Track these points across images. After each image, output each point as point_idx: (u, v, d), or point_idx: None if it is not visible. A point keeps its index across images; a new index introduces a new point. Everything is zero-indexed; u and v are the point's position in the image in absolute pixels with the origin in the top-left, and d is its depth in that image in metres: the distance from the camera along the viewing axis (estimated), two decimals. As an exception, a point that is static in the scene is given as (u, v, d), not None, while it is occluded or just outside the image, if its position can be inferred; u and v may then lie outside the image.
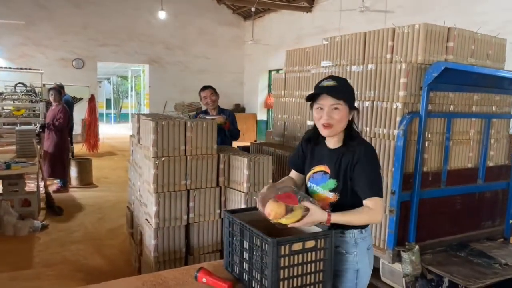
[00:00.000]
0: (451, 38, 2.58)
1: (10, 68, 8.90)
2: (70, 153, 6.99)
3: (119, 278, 1.91)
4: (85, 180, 6.76)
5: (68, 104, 7.92)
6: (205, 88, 4.05)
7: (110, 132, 15.41)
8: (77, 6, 11.71)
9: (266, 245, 1.64)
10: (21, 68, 8.72)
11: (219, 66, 14.31)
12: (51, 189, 5.84)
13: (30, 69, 8.73)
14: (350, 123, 1.78)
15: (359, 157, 1.71)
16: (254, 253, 1.74)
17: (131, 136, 3.84)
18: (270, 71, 14.02)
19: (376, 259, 2.85)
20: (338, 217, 1.67)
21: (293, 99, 3.82)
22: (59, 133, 6.02)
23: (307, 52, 3.70)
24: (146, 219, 2.91)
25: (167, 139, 2.72)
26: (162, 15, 10.18)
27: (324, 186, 1.82)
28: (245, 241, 1.81)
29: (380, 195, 1.70)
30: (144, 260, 3.08)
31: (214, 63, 14.20)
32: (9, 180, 4.58)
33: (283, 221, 1.63)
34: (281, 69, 12.83)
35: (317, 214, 1.63)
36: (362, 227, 1.81)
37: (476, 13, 6.57)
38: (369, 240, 1.86)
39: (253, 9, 10.78)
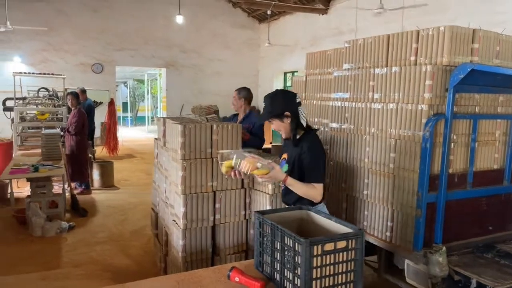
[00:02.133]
0: (476, 40, 2.58)
1: (33, 73, 9.14)
2: (90, 156, 7.15)
3: (150, 278, 1.97)
4: (107, 182, 6.91)
5: (90, 108, 8.12)
6: (236, 90, 4.13)
7: (128, 135, 15.63)
8: (95, 11, 11.96)
9: (299, 245, 1.67)
10: (44, 73, 8.95)
11: (233, 69, 14.41)
12: (75, 191, 5.99)
13: (53, 74, 8.95)
14: (296, 123, 2.25)
15: (304, 151, 2.24)
16: (286, 253, 1.78)
17: (156, 139, 3.93)
18: (285, 73, 14.07)
19: (401, 260, 2.87)
20: (292, 181, 2.16)
21: (314, 101, 3.84)
22: (76, 137, 6.17)
23: (328, 55, 3.72)
24: (173, 220, 2.98)
25: (194, 142, 2.79)
26: (179, 19, 10.32)
27: (283, 169, 2.30)
28: (276, 241, 1.85)
29: (319, 181, 2.22)
30: (170, 260, 3.15)
31: (228, 65, 14.31)
32: (37, 183, 4.72)
33: (255, 172, 2.05)
34: (296, 71, 12.87)
35: (279, 173, 2.11)
36: (310, 203, 2.23)
37: (495, 12, 6.49)
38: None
39: (269, 12, 10.85)
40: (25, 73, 8.93)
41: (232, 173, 2.18)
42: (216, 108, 10.18)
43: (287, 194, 2.35)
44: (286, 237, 1.78)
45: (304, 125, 2.29)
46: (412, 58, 2.66)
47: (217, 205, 2.88)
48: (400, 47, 2.74)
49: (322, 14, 11.11)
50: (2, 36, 10.69)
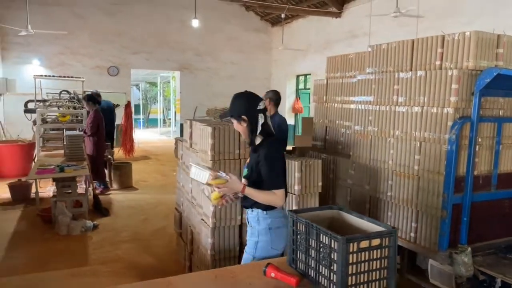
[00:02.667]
0: (500, 45, 2.64)
1: (53, 76, 9.34)
2: (109, 157, 7.30)
3: (189, 273, 2.06)
4: (126, 183, 7.05)
5: (110, 110, 8.29)
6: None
7: (141, 137, 15.82)
8: (111, 15, 12.17)
9: (335, 242, 1.75)
10: (64, 76, 9.15)
11: (246, 72, 14.54)
12: (96, 191, 6.13)
13: (72, 77, 9.14)
14: (252, 128, 2.21)
15: (260, 158, 2.21)
16: (321, 250, 1.86)
17: (179, 140, 4.04)
18: (297, 76, 14.14)
19: (424, 261, 2.92)
20: (250, 191, 2.18)
21: (335, 105, 3.92)
22: (92, 138, 6.32)
23: (349, 58, 3.80)
24: (201, 219, 3.07)
25: (224, 143, 2.88)
26: (195, 23, 10.47)
27: (244, 172, 2.37)
28: (311, 239, 1.93)
29: (279, 187, 2.20)
30: (197, 258, 3.24)
31: (241, 68, 14.44)
32: (63, 183, 4.86)
33: (213, 182, 2.14)
34: (309, 74, 12.95)
35: (236, 183, 2.16)
36: (266, 208, 2.26)
37: (510, 15, 6.50)
38: (274, 222, 2.30)
39: (282, 15, 10.94)
40: (46, 76, 9.15)
41: (224, 201, 2.31)
42: (230, 110, 10.35)
43: (245, 199, 2.30)
44: (321, 235, 1.85)
45: (264, 132, 2.23)
46: (438, 63, 2.72)
47: (244, 205, 2.97)
48: (425, 51, 2.81)
49: (336, 18, 11.17)
50: (22, 40, 10.95)
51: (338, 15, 11.10)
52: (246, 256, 2.39)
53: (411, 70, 2.91)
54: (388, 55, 3.13)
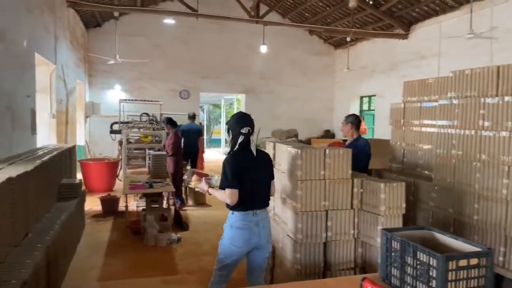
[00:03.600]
0: None
1: (135, 100, 10.26)
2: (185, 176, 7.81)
3: (289, 282, 2.27)
4: (200, 200, 7.48)
5: (197, 132, 8.83)
6: (345, 117, 4.39)
7: (206, 156, 16.51)
8: (184, 43, 13.13)
9: (434, 260, 1.87)
10: (145, 100, 10.01)
11: (309, 94, 14.80)
12: (172, 206, 6.60)
13: (151, 100, 9.97)
14: (233, 142, 2.92)
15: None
16: (419, 267, 1.98)
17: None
18: (361, 97, 14.11)
19: (511, 285, 2.87)
20: (212, 191, 3.06)
21: (414, 128, 3.99)
22: (172, 158, 6.84)
23: (428, 83, 3.88)
24: (287, 235, 3.28)
25: (310, 164, 3.10)
26: (263, 49, 10.98)
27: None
28: (407, 256, 2.06)
29: (227, 187, 2.79)
30: (281, 272, 3.44)
31: (304, 90, 14.73)
32: (152, 197, 5.34)
33: (193, 183, 3.21)
34: (374, 95, 12.89)
35: (203, 185, 3.15)
36: (232, 208, 2.87)
37: None
38: (236, 222, 2.85)
39: (348, 39, 11.10)
40: (129, 100, 10.05)
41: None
42: (295, 132, 10.62)
43: None
44: (419, 252, 1.98)
45: (240, 147, 2.85)
46: (526, 88, 2.75)
47: (328, 223, 3.14)
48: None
49: (403, 39, 11.11)
50: (108, 68, 12.15)
51: (405, 36, 11.05)
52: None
53: (497, 95, 2.95)
54: (472, 80, 3.18)
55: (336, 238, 3.17)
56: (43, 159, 4.32)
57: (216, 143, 24.26)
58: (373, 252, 3.15)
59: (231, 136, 2.93)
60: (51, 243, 3.43)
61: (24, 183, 3.45)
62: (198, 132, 8.89)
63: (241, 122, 2.90)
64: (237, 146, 2.85)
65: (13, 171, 3.47)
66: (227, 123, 3.12)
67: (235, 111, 20.29)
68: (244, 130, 2.83)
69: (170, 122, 7.20)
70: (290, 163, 3.24)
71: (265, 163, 3.02)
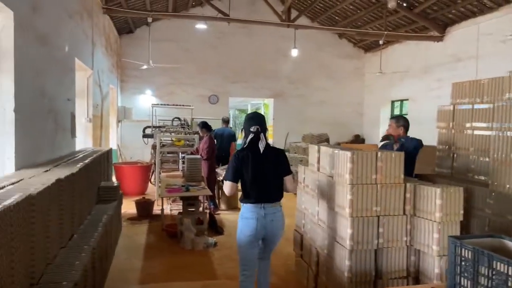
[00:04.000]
0: None
1: (167, 104, 10.35)
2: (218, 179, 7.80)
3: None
4: (232, 204, 7.44)
5: (230, 136, 8.86)
6: (392, 119, 4.30)
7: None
8: (214, 48, 13.21)
9: (514, 269, 1.73)
10: (177, 105, 10.09)
11: (338, 98, 14.58)
12: (207, 210, 6.57)
13: (183, 105, 10.04)
14: (244, 139, 3.22)
15: None
16: (495, 277, 1.84)
17: (302, 164, 4.22)
18: (392, 102, 13.79)
19: None
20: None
21: (465, 131, 3.81)
22: (207, 161, 6.84)
23: (481, 84, 3.70)
24: (336, 241, 3.17)
25: (361, 168, 2.98)
26: (295, 52, 10.92)
27: None
28: (481, 266, 1.92)
29: (225, 179, 3.20)
30: (331, 280, 3.32)
31: (333, 95, 14.53)
32: (188, 201, 5.33)
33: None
34: (407, 99, 12.57)
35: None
36: (241, 202, 3.17)
37: None
38: (244, 213, 3.10)
39: (381, 42, 10.88)
40: (161, 104, 10.15)
41: None
42: (326, 136, 10.45)
43: None
44: (495, 262, 1.84)
45: (249, 144, 3.12)
46: None
47: (380, 230, 3.01)
48: None
49: (438, 42, 10.80)
50: (139, 73, 12.35)
51: (440, 39, 10.73)
52: None
53: None
54: (534, 80, 3.00)
55: (388, 245, 3.04)
56: (85, 161, 4.37)
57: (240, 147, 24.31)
58: (427, 261, 3.00)
59: (244, 134, 3.24)
60: (96, 245, 3.44)
61: (71, 185, 3.49)
62: (231, 136, 8.88)
63: (251, 121, 3.19)
64: (246, 144, 3.13)
65: (60, 172, 3.51)
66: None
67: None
68: (253, 128, 3.11)
69: (205, 126, 7.21)
70: (339, 166, 3.13)
71: (273, 160, 3.13)
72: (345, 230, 3.01)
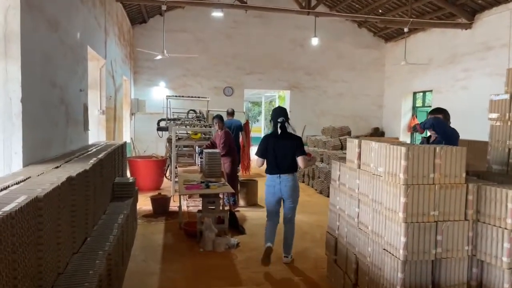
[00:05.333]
0: None
1: (183, 96, 9.99)
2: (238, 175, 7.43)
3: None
4: (252, 201, 7.07)
5: (238, 127, 8.63)
6: (431, 113, 3.87)
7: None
8: (229, 38, 12.79)
9: None
10: (193, 97, 9.74)
11: (356, 89, 14.08)
12: (226, 207, 6.21)
13: (199, 97, 9.67)
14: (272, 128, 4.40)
15: None
16: None
17: (340, 161, 3.81)
18: (414, 93, 13.23)
19: None
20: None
21: (525, 123, 3.36)
22: (226, 156, 6.47)
23: (546, 69, 3.24)
24: (385, 249, 2.77)
25: (417, 166, 2.57)
26: (315, 41, 10.46)
27: None
28: None
29: (255, 154, 4.36)
30: (373, 292, 2.93)
31: (351, 86, 14.03)
32: (208, 198, 4.97)
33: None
34: (430, 91, 12.00)
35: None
36: (266, 173, 4.34)
37: None
38: (267, 181, 4.30)
39: (406, 29, 10.33)
40: (176, 96, 9.79)
41: None
42: (348, 129, 9.97)
43: None
44: None
45: (271, 132, 4.36)
46: None
47: (438, 237, 2.60)
48: None
49: (466, 29, 10.21)
50: (152, 65, 12.02)
51: (468, 26, 10.14)
52: None
53: None
54: None
55: (447, 255, 2.62)
56: (98, 156, 4.03)
57: (255, 141, 23.91)
58: (494, 273, 2.58)
59: (272, 124, 4.32)
60: (112, 250, 3.09)
61: (84, 183, 3.14)
62: (238, 127, 8.82)
63: (278, 114, 4.31)
64: (272, 130, 4.34)
65: (72, 169, 3.16)
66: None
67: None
68: (280, 120, 4.23)
69: (223, 119, 6.85)
70: (389, 163, 2.72)
71: (288, 144, 4.22)
72: (396, 237, 2.61)
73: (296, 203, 4.35)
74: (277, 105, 19.83)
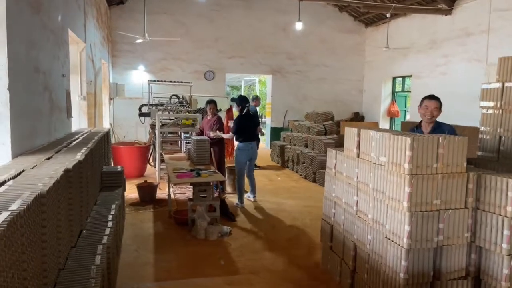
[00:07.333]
0: None
1: (165, 81, 9.74)
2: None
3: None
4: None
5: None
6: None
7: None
8: (210, 21, 12.51)
9: None
10: (176, 81, 9.50)
11: (337, 74, 14.13)
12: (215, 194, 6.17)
13: (182, 82, 9.46)
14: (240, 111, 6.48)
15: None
16: None
17: (334, 149, 3.82)
18: (394, 78, 13.41)
19: None
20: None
21: (516, 112, 3.45)
22: (218, 143, 6.41)
23: (538, 59, 3.31)
24: (387, 237, 2.81)
25: (421, 155, 2.60)
26: (299, 26, 10.35)
27: None
28: None
29: (232, 132, 6.46)
30: (377, 280, 2.98)
31: (332, 71, 14.06)
32: (199, 187, 4.91)
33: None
34: (410, 75, 12.19)
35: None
36: (238, 141, 6.35)
37: None
38: (242, 147, 6.21)
39: (388, 15, 10.38)
40: (158, 81, 9.56)
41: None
42: (331, 115, 10.03)
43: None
44: None
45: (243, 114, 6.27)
46: None
47: (440, 225, 2.66)
48: None
49: (446, 15, 10.36)
50: (131, 48, 11.65)
51: (448, 12, 10.29)
52: None
53: None
54: None
55: (448, 242, 2.69)
56: (88, 146, 3.89)
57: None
58: (493, 259, 2.67)
59: (239, 107, 6.24)
60: (110, 242, 3.02)
61: (78, 174, 3.03)
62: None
63: (245, 100, 6.31)
64: (244, 113, 6.21)
65: (64, 160, 3.04)
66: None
67: (258, 92, 19.89)
68: (247, 104, 6.24)
69: (216, 104, 6.74)
70: (393, 153, 2.74)
71: (253, 120, 6.47)
72: (400, 226, 2.65)
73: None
74: (257, 89, 19.79)
